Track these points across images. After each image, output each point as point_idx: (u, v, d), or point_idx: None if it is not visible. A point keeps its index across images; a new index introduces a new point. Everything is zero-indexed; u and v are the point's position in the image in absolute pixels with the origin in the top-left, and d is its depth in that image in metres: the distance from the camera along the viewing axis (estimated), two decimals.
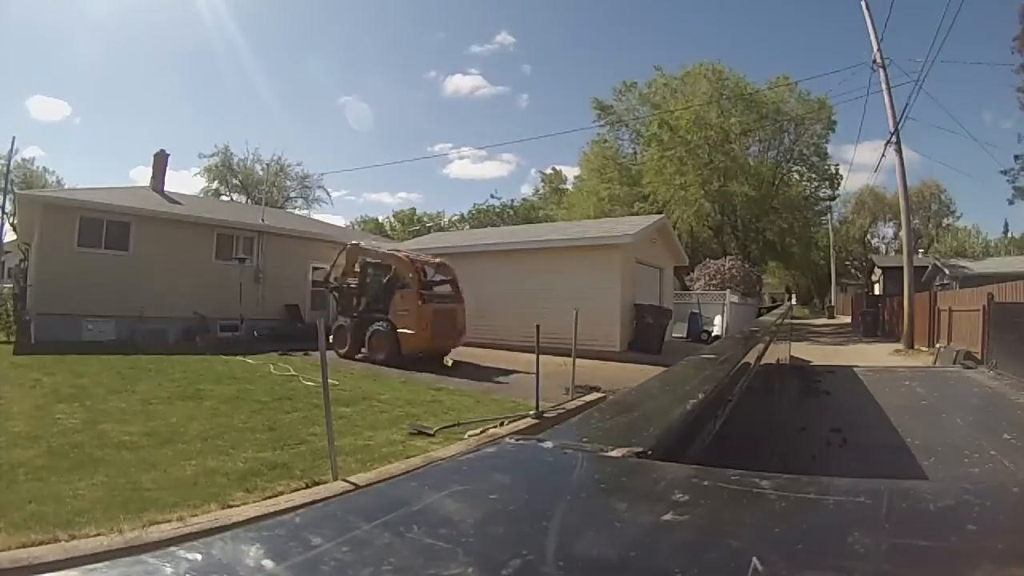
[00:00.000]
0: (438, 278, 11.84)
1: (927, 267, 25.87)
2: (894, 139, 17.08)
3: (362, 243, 13.02)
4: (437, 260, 12.14)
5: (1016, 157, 27.23)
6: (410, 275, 10.99)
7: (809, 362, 8.02)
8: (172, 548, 0.50)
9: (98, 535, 3.28)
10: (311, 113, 72.03)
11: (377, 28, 70.37)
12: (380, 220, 54.73)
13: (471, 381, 9.24)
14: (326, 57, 69.66)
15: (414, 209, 55.55)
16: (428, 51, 72.56)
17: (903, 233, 18.82)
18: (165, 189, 18.49)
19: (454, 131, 74.57)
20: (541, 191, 48.89)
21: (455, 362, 11.05)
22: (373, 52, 72.74)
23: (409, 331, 10.58)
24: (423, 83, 71.07)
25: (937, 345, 13.11)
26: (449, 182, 73.09)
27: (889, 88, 17.10)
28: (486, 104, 71.56)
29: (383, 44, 72.78)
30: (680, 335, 16.95)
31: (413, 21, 70.81)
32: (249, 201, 35.97)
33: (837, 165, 31.59)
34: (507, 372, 10.07)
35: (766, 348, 3.30)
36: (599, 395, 7.79)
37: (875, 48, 17.15)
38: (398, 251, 12.68)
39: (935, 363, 10.35)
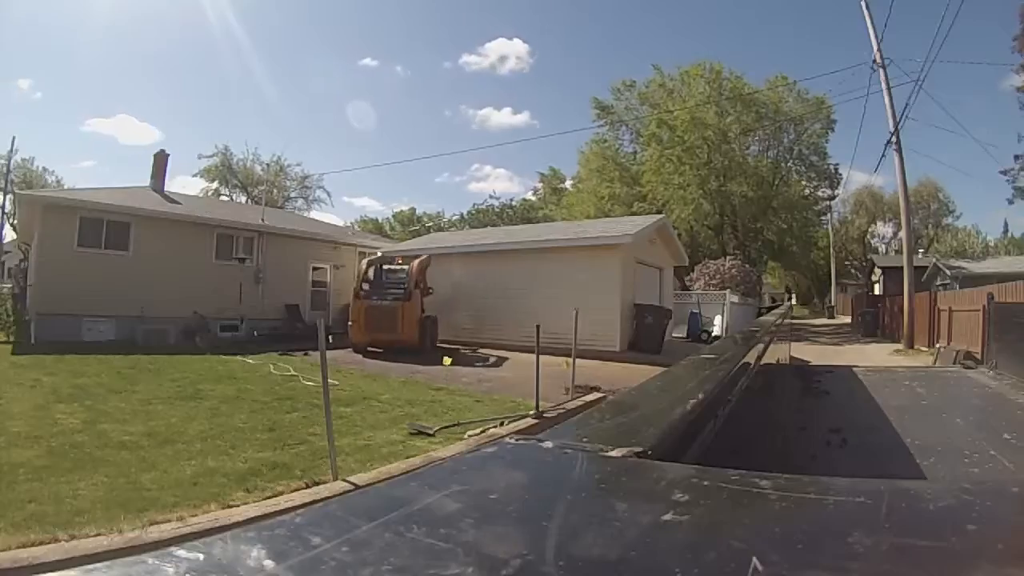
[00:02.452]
0: (393, 278, 12.72)
1: (927, 267, 25.85)
2: (894, 139, 17.09)
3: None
4: (400, 262, 13.22)
5: (1016, 157, 27.21)
6: (357, 275, 12.42)
7: (808, 362, 8.01)
8: (172, 548, 0.50)
9: (98, 535, 3.28)
10: (316, 115, 72.40)
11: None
12: (379, 221, 54.70)
13: (470, 381, 9.25)
14: (338, 62, 69.95)
15: (413, 209, 55.49)
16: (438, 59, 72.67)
17: (903, 233, 18.83)
18: (165, 189, 18.51)
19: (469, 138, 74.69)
20: (540, 191, 48.88)
21: (454, 362, 11.08)
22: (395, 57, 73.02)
23: (350, 324, 12.08)
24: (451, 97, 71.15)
25: (937, 345, 13.12)
26: (478, 197, 73.49)
27: (889, 88, 17.12)
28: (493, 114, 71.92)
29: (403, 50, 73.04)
30: (680, 335, 16.95)
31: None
32: (249, 201, 35.98)
33: (836, 164, 31.63)
34: (506, 372, 10.07)
35: (766, 348, 3.30)
36: (599, 395, 7.78)
37: (875, 48, 17.17)
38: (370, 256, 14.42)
39: (935, 363, 10.36)
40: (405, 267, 13.15)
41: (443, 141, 74.42)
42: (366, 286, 12.46)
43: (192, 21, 56.85)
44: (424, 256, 13.42)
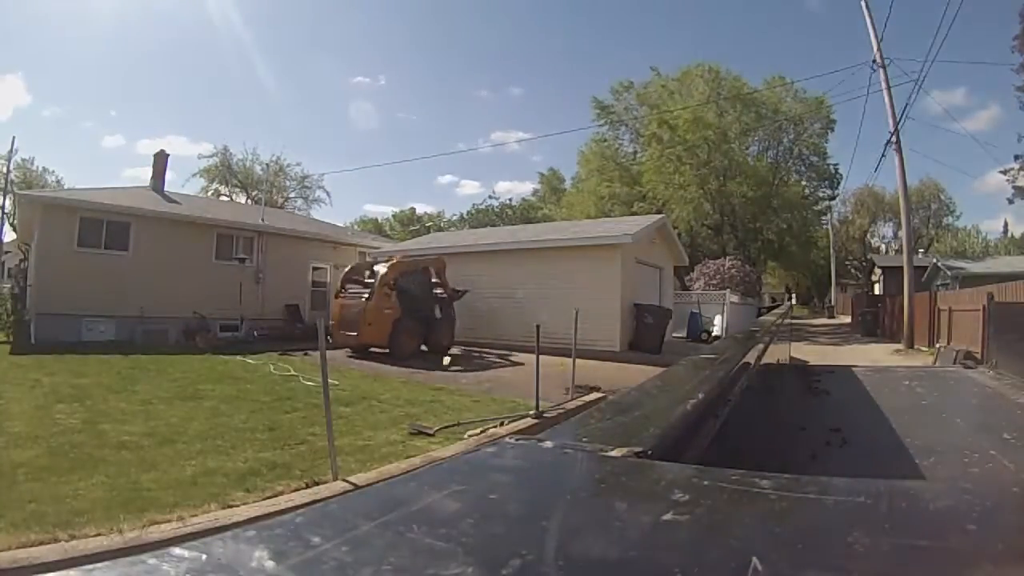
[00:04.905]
0: (366, 279, 12.62)
1: (927, 267, 25.85)
2: (894, 139, 17.09)
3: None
4: (387, 262, 13.06)
5: (1016, 157, 27.21)
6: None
7: (808, 363, 8.01)
8: (172, 548, 0.50)
9: (98, 535, 3.28)
10: (322, 116, 72.66)
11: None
12: (379, 221, 54.71)
13: (470, 381, 9.25)
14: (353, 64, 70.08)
15: (413, 209, 55.59)
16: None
17: (903, 233, 18.83)
18: (165, 189, 18.52)
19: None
20: (540, 191, 48.88)
21: (453, 362, 11.10)
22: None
23: (331, 324, 11.83)
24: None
25: (937, 345, 13.11)
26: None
27: (889, 88, 17.11)
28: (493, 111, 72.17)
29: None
30: (680, 335, 16.95)
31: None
32: (249, 201, 35.97)
33: (836, 164, 31.64)
34: (506, 372, 10.07)
35: (766, 348, 3.30)
36: (599, 395, 7.78)
37: (875, 48, 17.16)
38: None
39: (935, 363, 10.35)
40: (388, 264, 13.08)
41: (453, 149, 74.79)
42: (347, 285, 12.52)
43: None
44: (396, 258, 13.25)
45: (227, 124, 69.14)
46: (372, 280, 12.15)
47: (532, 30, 70.58)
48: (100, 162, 61.34)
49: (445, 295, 12.98)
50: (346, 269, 13.20)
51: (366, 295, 11.82)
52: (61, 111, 58.29)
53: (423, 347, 12.20)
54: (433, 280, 13.02)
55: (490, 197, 62.19)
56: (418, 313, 12.13)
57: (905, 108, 17.18)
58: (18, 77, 59.70)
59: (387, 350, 11.52)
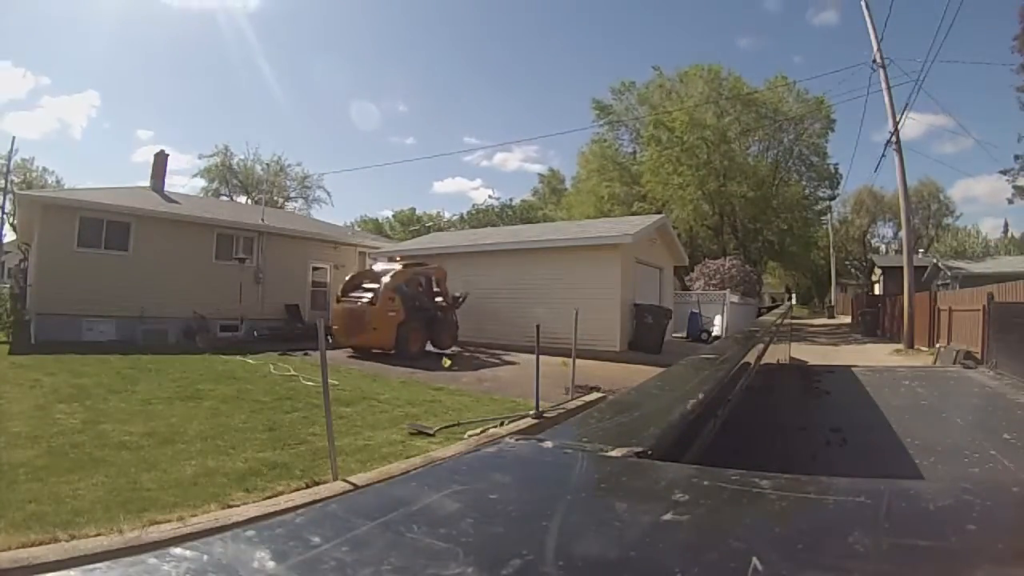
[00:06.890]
0: (368, 284, 12.80)
1: (927, 267, 25.83)
2: (894, 139, 17.09)
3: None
4: (389, 271, 13.18)
5: (1016, 157, 27.21)
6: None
7: (807, 363, 8.01)
8: (172, 548, 0.50)
9: (98, 535, 3.28)
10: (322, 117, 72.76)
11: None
12: (380, 220, 54.69)
13: (471, 381, 9.25)
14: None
15: (413, 209, 55.51)
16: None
17: (903, 233, 18.83)
18: (165, 189, 18.52)
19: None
20: (540, 191, 48.90)
21: (454, 362, 11.11)
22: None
23: (334, 327, 12.10)
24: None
25: (937, 345, 13.10)
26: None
27: (889, 88, 17.10)
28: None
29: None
30: (680, 335, 16.95)
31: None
32: (249, 202, 35.97)
33: (836, 164, 31.65)
34: (506, 372, 10.07)
35: (766, 348, 3.30)
36: (599, 395, 7.79)
37: (875, 48, 17.16)
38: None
39: (935, 363, 10.34)
40: (394, 268, 13.24)
41: (459, 153, 75.02)
42: (348, 290, 12.70)
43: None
44: (400, 266, 13.46)
45: (233, 130, 69.46)
46: (375, 285, 12.32)
47: (534, 32, 70.54)
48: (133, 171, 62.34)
49: (445, 302, 13.18)
50: (348, 276, 13.42)
51: (368, 300, 12.00)
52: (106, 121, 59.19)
53: (430, 347, 12.43)
54: (435, 289, 13.25)
55: (490, 197, 62.24)
56: (421, 317, 12.39)
57: (905, 108, 17.20)
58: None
59: (392, 352, 11.67)
